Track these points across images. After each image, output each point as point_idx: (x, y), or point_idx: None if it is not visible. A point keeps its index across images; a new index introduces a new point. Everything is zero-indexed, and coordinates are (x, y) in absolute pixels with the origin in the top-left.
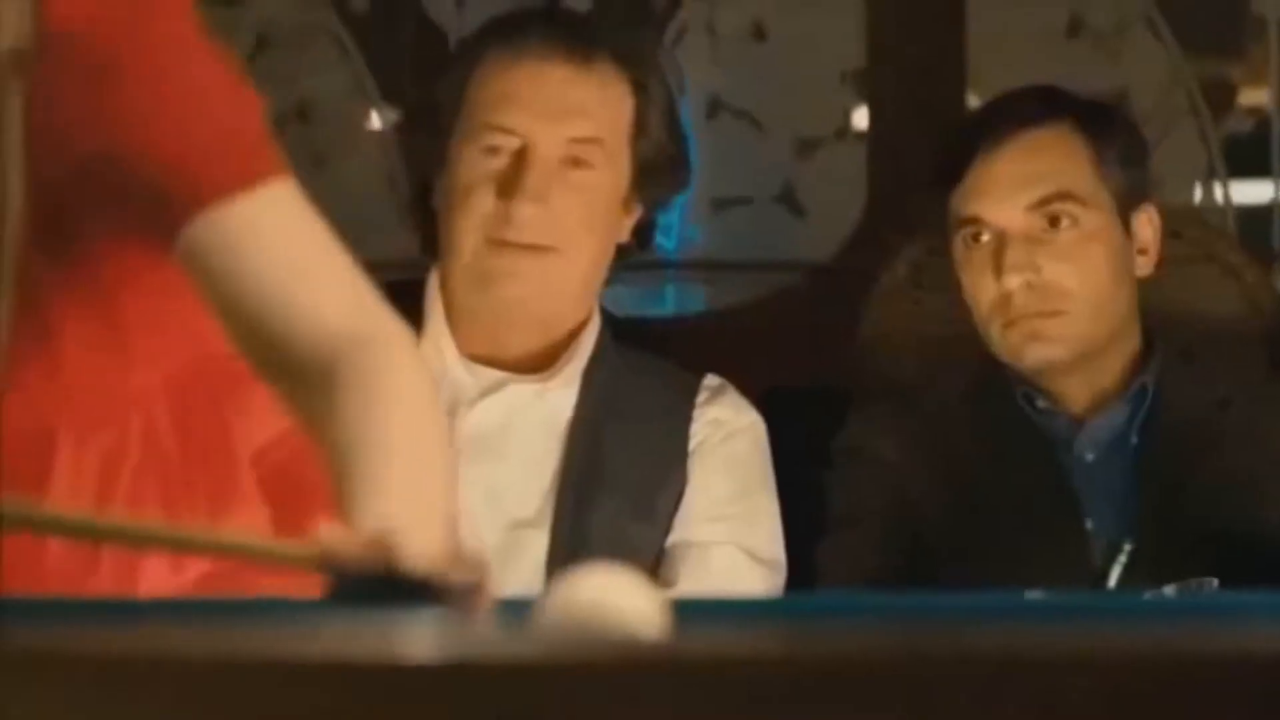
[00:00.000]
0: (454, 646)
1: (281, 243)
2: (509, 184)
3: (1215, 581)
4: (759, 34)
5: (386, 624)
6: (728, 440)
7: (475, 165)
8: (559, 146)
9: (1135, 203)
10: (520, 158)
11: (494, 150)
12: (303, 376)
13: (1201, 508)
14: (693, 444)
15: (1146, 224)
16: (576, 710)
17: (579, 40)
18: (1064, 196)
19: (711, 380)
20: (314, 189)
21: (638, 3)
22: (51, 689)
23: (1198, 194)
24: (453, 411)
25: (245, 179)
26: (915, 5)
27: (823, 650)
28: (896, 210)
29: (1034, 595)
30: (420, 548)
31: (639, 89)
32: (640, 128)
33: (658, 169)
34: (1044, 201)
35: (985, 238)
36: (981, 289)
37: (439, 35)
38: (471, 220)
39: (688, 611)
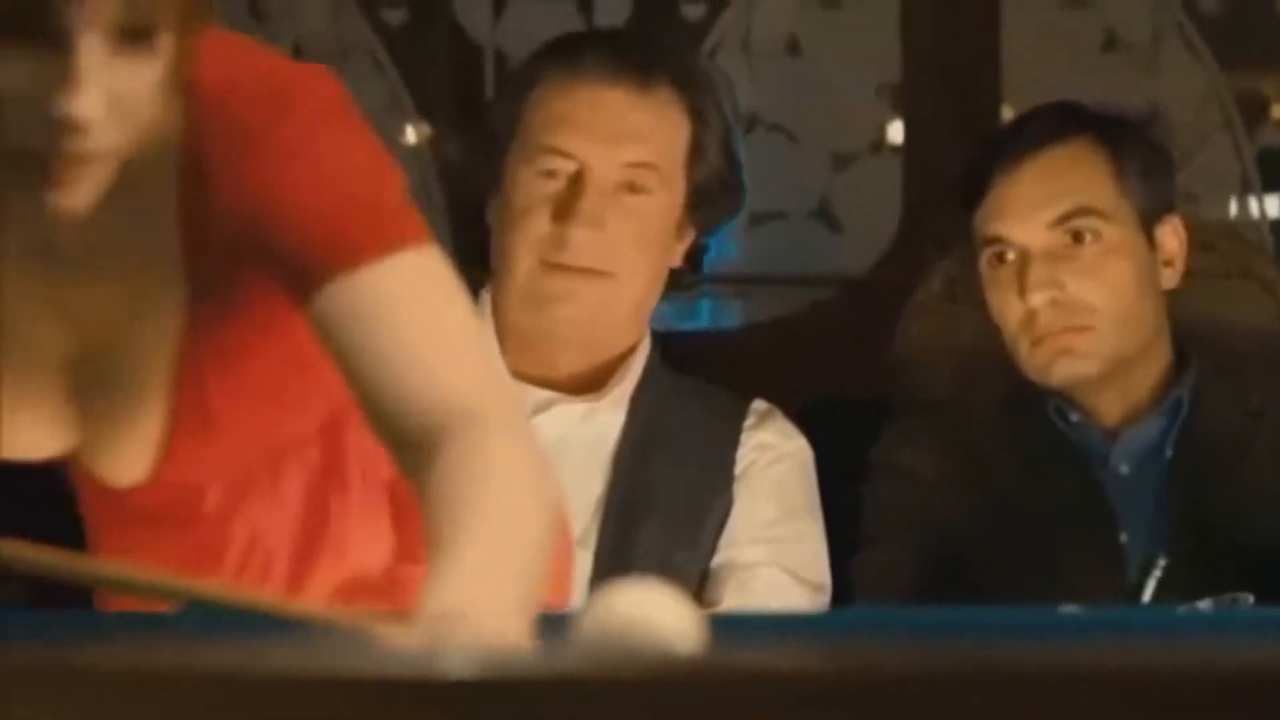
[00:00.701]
0: (490, 661)
1: (404, 312)
2: (565, 207)
3: (1250, 597)
4: (794, 49)
5: (424, 641)
6: (774, 464)
7: (531, 187)
8: (615, 171)
9: (1159, 214)
10: (576, 181)
11: (550, 174)
12: (413, 446)
13: (1235, 521)
14: (739, 468)
15: (1171, 235)
16: None
17: (637, 64)
18: (1085, 212)
19: (759, 404)
20: None
21: (673, 18)
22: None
23: (1233, 207)
24: None
25: (378, 247)
26: (950, 19)
27: (856, 666)
28: (932, 224)
29: (1069, 610)
30: (478, 634)
31: (696, 114)
32: (696, 153)
33: (712, 194)
34: (1065, 218)
35: (1009, 257)
36: (1008, 308)
37: (474, 49)
38: (526, 242)
39: (722, 626)
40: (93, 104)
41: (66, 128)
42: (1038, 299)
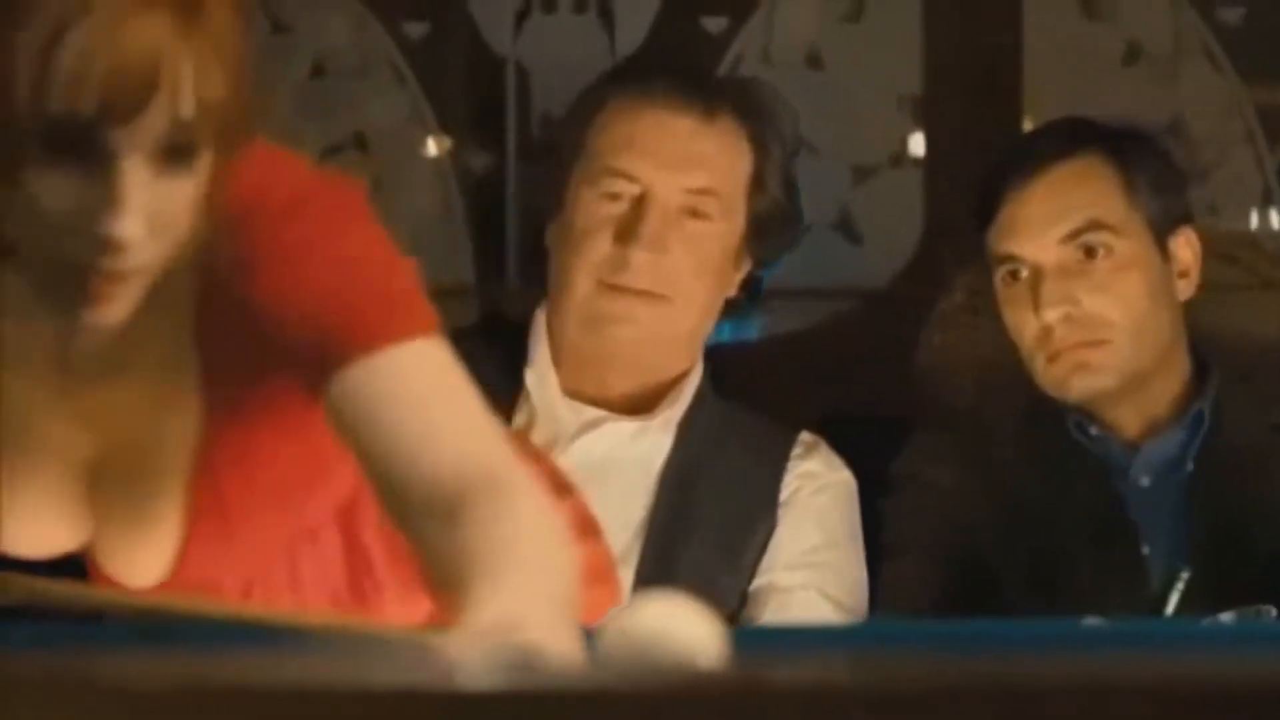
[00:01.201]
0: (512, 674)
1: (419, 392)
2: (626, 230)
3: (1274, 610)
4: (815, 61)
5: (448, 653)
6: (819, 493)
7: (594, 209)
8: (678, 196)
9: (1173, 226)
10: (639, 205)
11: (614, 196)
12: (434, 517)
13: (1257, 533)
14: (785, 495)
15: (1185, 246)
16: None
17: (703, 92)
18: (1096, 226)
19: (807, 436)
20: None
21: (694, 31)
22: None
23: (1254, 220)
24: (551, 446)
25: (391, 332)
26: (971, 32)
27: (877, 679)
28: (953, 237)
29: (1091, 622)
30: (527, 644)
31: (759, 145)
32: (757, 183)
33: (771, 225)
34: (1076, 233)
35: (1023, 274)
36: (1023, 325)
37: (495, 62)
38: (587, 263)
39: (744, 640)
40: (135, 225)
41: (109, 247)
42: (1052, 315)
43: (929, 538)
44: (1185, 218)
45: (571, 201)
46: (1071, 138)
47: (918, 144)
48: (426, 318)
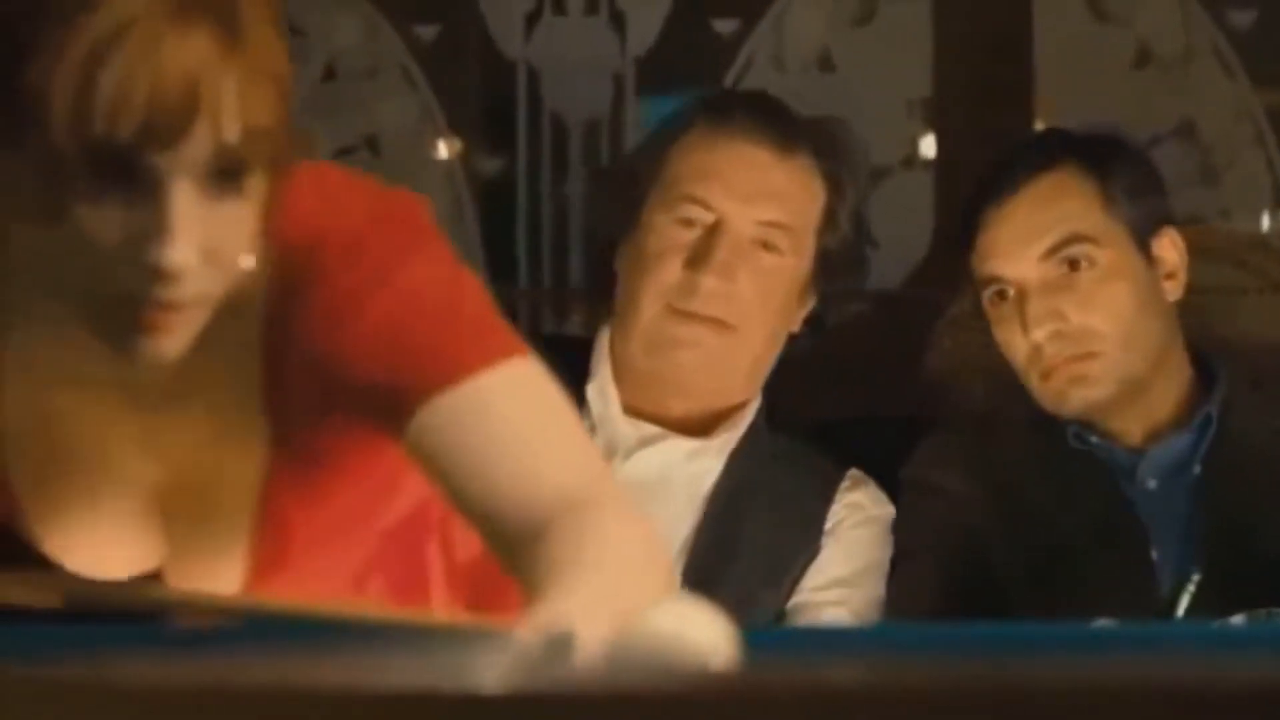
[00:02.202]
0: (526, 677)
1: (506, 420)
2: (698, 256)
3: None
4: (826, 64)
5: (461, 654)
6: (863, 524)
7: (668, 234)
8: (750, 226)
9: (1154, 230)
10: (712, 233)
11: (688, 223)
12: (525, 542)
13: (1268, 536)
14: (830, 524)
15: (1170, 248)
16: None
17: (782, 127)
18: (1076, 240)
19: (855, 473)
20: None
21: (706, 34)
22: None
23: (1265, 222)
24: (608, 459)
25: (470, 361)
26: (982, 34)
27: (886, 681)
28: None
29: (1101, 625)
30: (586, 642)
31: (833, 183)
32: (829, 221)
33: (839, 263)
34: (1056, 248)
35: (1009, 294)
36: (1014, 344)
37: (506, 65)
38: (656, 286)
39: (756, 642)
40: (187, 251)
41: (160, 276)
42: (1040, 333)
43: (936, 541)
44: (1166, 219)
45: (645, 226)
46: (1044, 153)
47: (929, 146)
48: (502, 340)
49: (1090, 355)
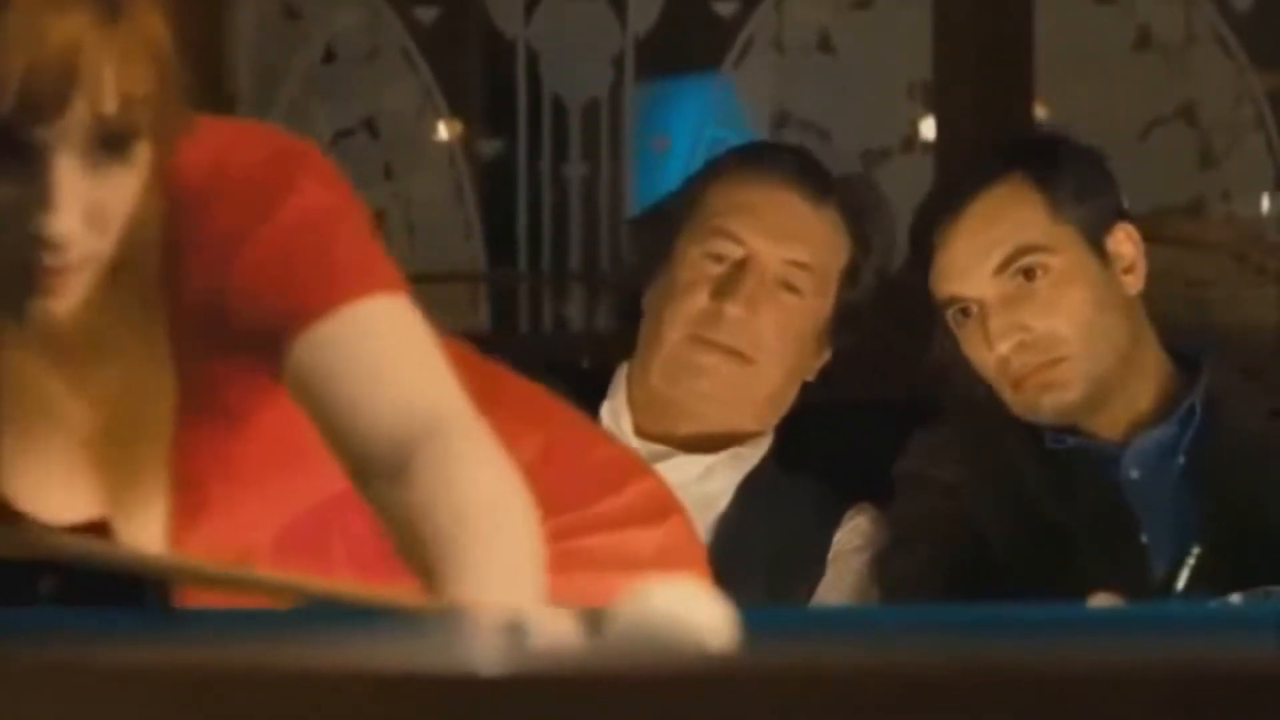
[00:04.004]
0: (520, 658)
1: (357, 356)
2: (725, 288)
3: None
4: (826, 46)
5: (455, 636)
6: (865, 549)
7: (697, 266)
8: (777, 264)
9: (1106, 227)
10: (740, 266)
11: (718, 257)
12: (383, 477)
13: (1263, 518)
14: (834, 549)
15: (1124, 242)
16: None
17: (815, 179)
18: (1026, 250)
19: (864, 505)
20: (382, 200)
21: (705, 15)
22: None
23: (1265, 206)
24: None
25: (335, 298)
26: (982, 17)
27: (886, 661)
28: None
29: (1097, 605)
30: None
31: (859, 240)
32: (851, 275)
33: (857, 318)
34: (1008, 262)
35: (972, 310)
36: (982, 359)
37: (506, 47)
38: (682, 315)
39: (754, 622)
40: (71, 221)
41: (47, 244)
42: (1005, 346)
43: (931, 530)
44: (1118, 214)
45: (676, 259)
46: (988, 168)
47: (929, 128)
48: (376, 274)
49: (1057, 361)
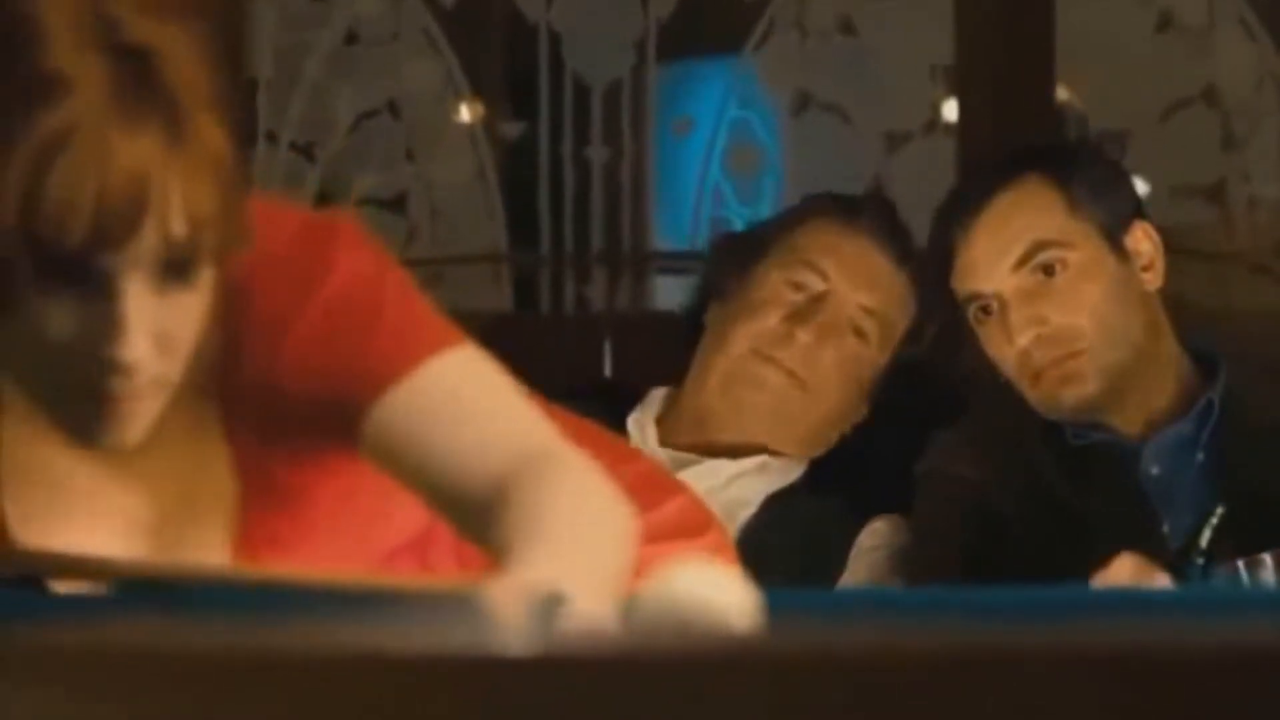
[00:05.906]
0: (543, 639)
1: (452, 404)
2: (799, 314)
3: None
4: (847, 28)
5: (477, 617)
6: (882, 547)
7: (777, 289)
8: (852, 307)
9: (1125, 225)
10: (819, 299)
11: (799, 286)
12: (482, 510)
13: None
14: (854, 551)
15: (1143, 239)
16: (668, 702)
17: (901, 242)
18: (1044, 246)
19: (886, 515)
20: (404, 182)
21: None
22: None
23: None
24: None
25: (402, 364)
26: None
27: (910, 645)
28: None
29: (1106, 588)
30: (569, 607)
31: (925, 308)
32: (914, 336)
33: (905, 380)
34: (1026, 258)
35: (992, 307)
36: (1003, 355)
37: (528, 29)
38: (751, 331)
39: (777, 605)
40: (141, 346)
41: (115, 370)
42: (1024, 339)
43: (953, 525)
44: (1137, 213)
45: (755, 281)
46: (1006, 168)
47: (951, 111)
48: (434, 332)
49: (1075, 353)
